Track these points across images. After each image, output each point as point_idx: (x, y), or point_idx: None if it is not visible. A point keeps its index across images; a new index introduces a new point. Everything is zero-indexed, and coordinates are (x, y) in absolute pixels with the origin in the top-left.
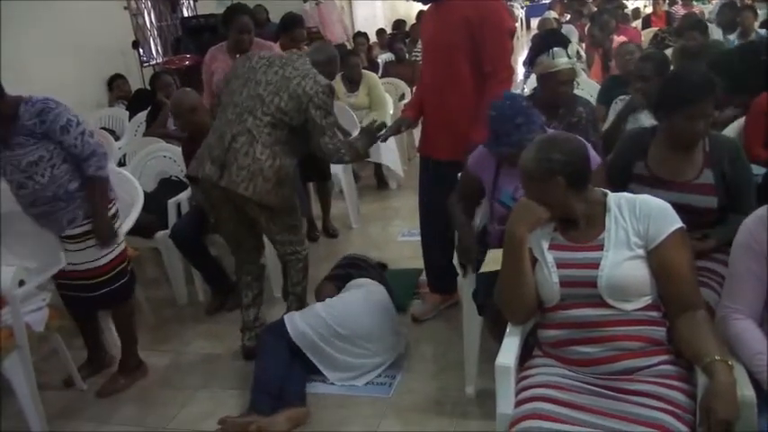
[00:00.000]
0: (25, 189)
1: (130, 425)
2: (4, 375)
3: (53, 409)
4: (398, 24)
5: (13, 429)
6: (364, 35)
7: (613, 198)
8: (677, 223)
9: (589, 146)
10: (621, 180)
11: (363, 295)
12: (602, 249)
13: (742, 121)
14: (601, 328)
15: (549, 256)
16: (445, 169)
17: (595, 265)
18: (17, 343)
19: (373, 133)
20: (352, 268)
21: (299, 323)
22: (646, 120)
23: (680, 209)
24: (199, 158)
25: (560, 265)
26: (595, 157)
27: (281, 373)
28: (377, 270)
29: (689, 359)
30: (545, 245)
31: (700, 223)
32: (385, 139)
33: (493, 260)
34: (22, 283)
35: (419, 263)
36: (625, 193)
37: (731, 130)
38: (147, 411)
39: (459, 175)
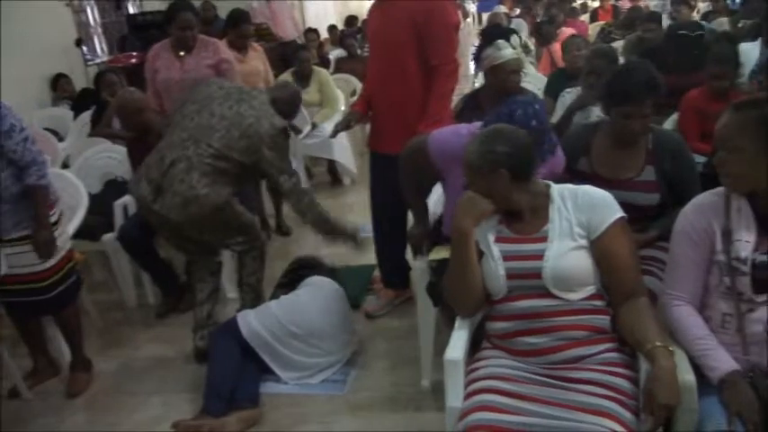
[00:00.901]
0: None
1: None
2: None
3: None
4: (351, 20)
5: None
6: (315, 31)
7: (557, 189)
8: (618, 213)
9: (558, 146)
10: (564, 176)
11: (316, 293)
12: (546, 241)
13: (676, 116)
14: (546, 318)
15: (495, 249)
16: (394, 163)
17: (540, 256)
18: None
19: (352, 237)
20: (304, 269)
21: (252, 322)
22: (595, 115)
23: (621, 206)
24: (137, 176)
25: (506, 257)
26: (561, 159)
27: (234, 374)
28: (328, 268)
29: (632, 346)
30: (491, 238)
31: (640, 219)
32: (334, 135)
33: (442, 248)
34: None
35: (373, 259)
36: (568, 185)
37: (668, 124)
38: (97, 418)
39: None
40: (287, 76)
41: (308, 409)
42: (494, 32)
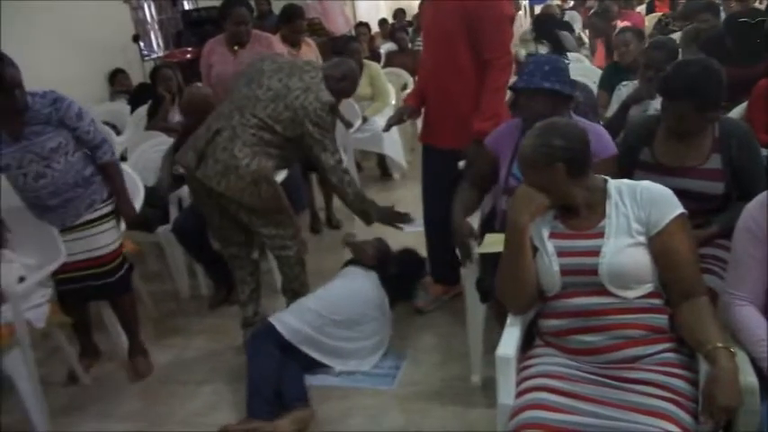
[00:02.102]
0: (45, 178)
1: (133, 420)
2: (5, 372)
3: (55, 405)
4: (399, 14)
5: (15, 426)
6: (366, 25)
7: (614, 185)
8: (679, 209)
9: (605, 134)
10: (627, 167)
11: (347, 281)
12: (602, 237)
13: (745, 105)
14: (602, 316)
15: (550, 245)
16: (447, 157)
17: (596, 252)
18: (18, 339)
19: (391, 216)
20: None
21: (290, 321)
22: (653, 109)
23: (685, 195)
24: (186, 145)
25: (561, 253)
26: (610, 146)
27: (275, 375)
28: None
29: (691, 346)
30: (545, 233)
31: (704, 210)
32: (387, 129)
33: (492, 242)
34: (22, 279)
35: (423, 253)
36: (625, 180)
37: (735, 114)
38: (150, 406)
39: (462, 163)
40: None
41: (356, 402)
42: (544, 23)
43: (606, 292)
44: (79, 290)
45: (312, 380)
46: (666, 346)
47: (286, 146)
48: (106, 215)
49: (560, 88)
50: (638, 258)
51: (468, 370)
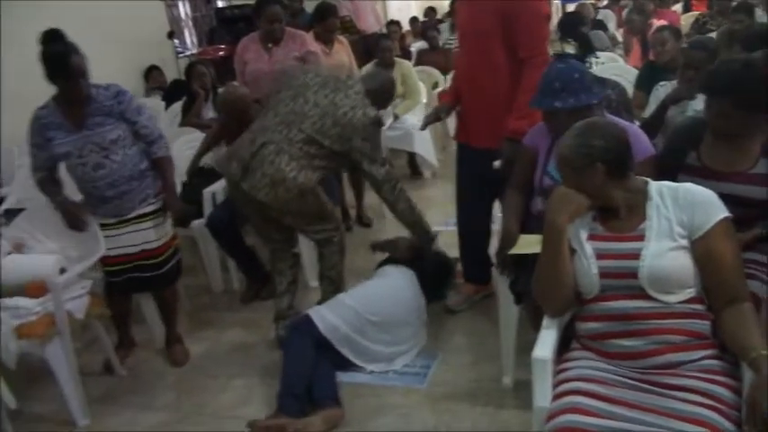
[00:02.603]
0: (103, 169)
1: (167, 411)
2: (46, 361)
3: (92, 394)
4: (429, 12)
5: (53, 414)
6: (397, 23)
7: (655, 186)
8: (723, 212)
9: (642, 135)
10: (671, 171)
11: (387, 281)
12: (643, 239)
13: None
14: (642, 320)
15: (589, 247)
16: (482, 157)
17: (636, 255)
18: (59, 330)
19: (431, 238)
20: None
21: (328, 316)
22: (692, 110)
23: (731, 200)
24: (228, 154)
25: (600, 255)
26: (648, 147)
27: (308, 372)
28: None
29: (734, 353)
30: (584, 235)
31: (751, 216)
32: (424, 127)
33: (526, 243)
34: (63, 270)
35: (454, 253)
36: (666, 182)
37: None
38: (184, 398)
39: (497, 162)
40: (370, 68)
41: (387, 401)
42: (570, 22)
43: (646, 296)
44: (128, 281)
45: (343, 376)
46: (709, 352)
47: (332, 158)
48: (158, 210)
49: (574, 103)
50: (681, 262)
51: (499, 371)
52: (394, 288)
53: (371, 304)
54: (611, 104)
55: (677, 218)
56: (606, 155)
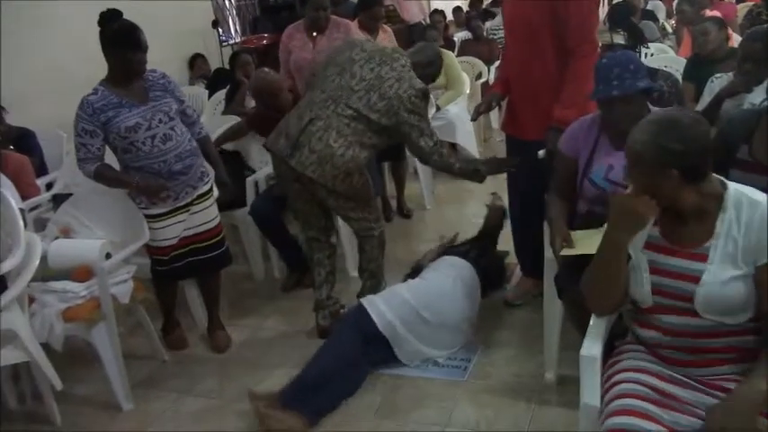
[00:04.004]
0: (171, 141)
1: (207, 397)
2: (91, 344)
3: (136, 378)
4: (474, 2)
5: (97, 396)
6: (441, 13)
7: (733, 195)
8: None
9: None
10: (723, 165)
11: (442, 276)
12: (705, 261)
13: None
14: (694, 339)
15: (643, 258)
16: (531, 150)
17: (695, 278)
18: (104, 314)
19: (499, 166)
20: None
21: (384, 311)
22: (748, 103)
23: None
24: (276, 131)
25: (654, 270)
26: None
27: (337, 373)
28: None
29: None
30: (640, 242)
31: None
32: (475, 118)
33: (580, 243)
34: (108, 255)
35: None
36: (747, 191)
37: None
38: (225, 386)
39: (542, 152)
40: None
41: (428, 393)
42: (619, 12)
43: (701, 316)
44: (185, 266)
45: (384, 367)
46: None
47: (380, 133)
48: (211, 189)
49: (630, 89)
50: (741, 291)
51: (541, 366)
52: (453, 288)
53: (425, 299)
54: (664, 96)
55: (746, 239)
56: (684, 160)
